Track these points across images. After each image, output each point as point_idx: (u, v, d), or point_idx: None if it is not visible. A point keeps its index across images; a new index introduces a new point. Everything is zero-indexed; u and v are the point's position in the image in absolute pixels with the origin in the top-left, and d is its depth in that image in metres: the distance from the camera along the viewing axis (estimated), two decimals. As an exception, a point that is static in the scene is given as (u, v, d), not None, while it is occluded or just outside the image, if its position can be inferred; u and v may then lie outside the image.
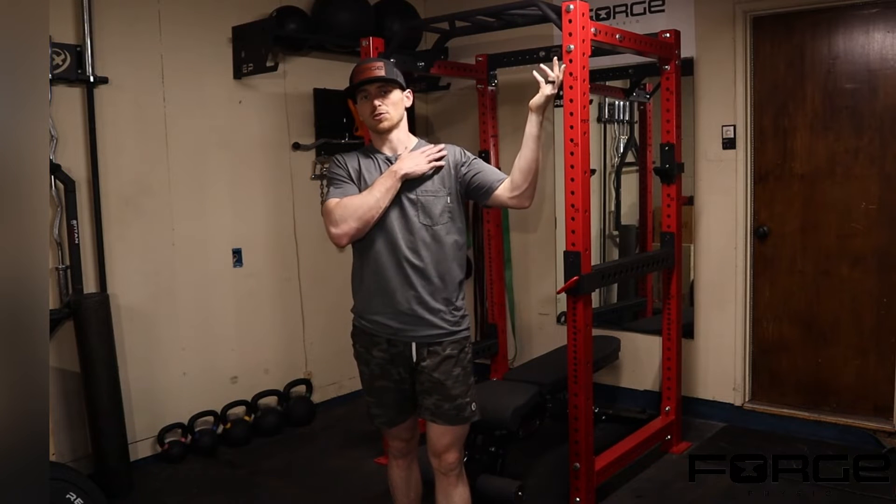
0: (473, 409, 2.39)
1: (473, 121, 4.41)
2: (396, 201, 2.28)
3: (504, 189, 2.36)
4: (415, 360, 2.34)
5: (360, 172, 2.35)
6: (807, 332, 3.79)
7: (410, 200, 2.29)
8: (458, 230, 2.37)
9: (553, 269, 4.46)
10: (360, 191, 2.32)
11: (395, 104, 2.32)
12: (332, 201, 2.30)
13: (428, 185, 2.31)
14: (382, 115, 2.29)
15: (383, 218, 2.27)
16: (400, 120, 2.35)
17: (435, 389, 2.33)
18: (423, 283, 2.29)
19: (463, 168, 2.37)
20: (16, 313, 1.25)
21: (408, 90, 2.38)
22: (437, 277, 2.31)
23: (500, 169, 4.22)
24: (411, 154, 2.30)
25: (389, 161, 2.35)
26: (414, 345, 2.32)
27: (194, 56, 3.81)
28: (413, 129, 5.05)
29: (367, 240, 2.31)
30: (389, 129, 2.33)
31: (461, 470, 2.45)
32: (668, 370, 3.68)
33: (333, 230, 2.26)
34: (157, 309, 3.73)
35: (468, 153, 2.43)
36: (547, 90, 2.35)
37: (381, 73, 2.28)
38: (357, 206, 2.24)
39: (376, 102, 2.28)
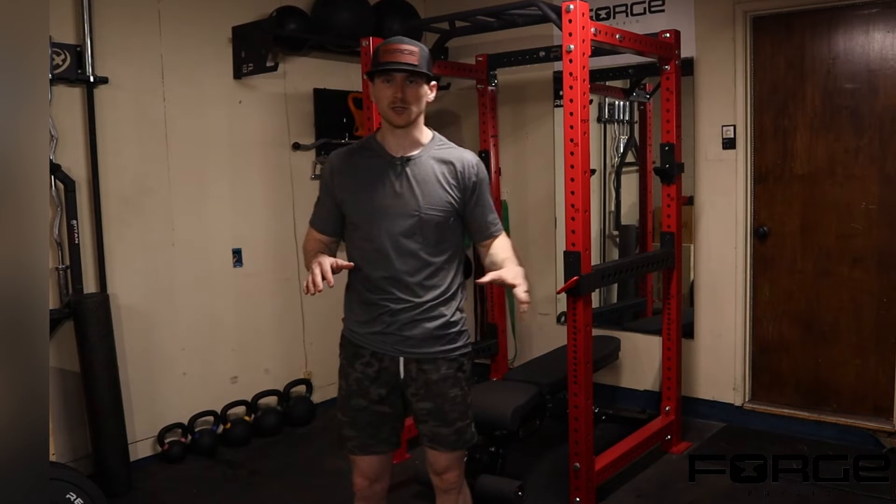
0: (473, 430, 2.24)
1: (473, 121, 4.41)
2: (395, 212, 2.08)
3: (482, 249, 2.24)
4: (402, 377, 2.15)
5: (351, 181, 2.13)
6: (807, 332, 3.79)
7: (410, 215, 2.08)
8: (457, 240, 2.20)
9: (553, 269, 4.46)
10: (340, 201, 2.15)
11: (420, 99, 2.06)
12: (308, 229, 2.25)
13: (436, 200, 2.09)
14: (403, 110, 2.04)
15: (378, 227, 2.09)
16: (419, 116, 2.10)
17: (430, 416, 2.16)
18: (414, 298, 2.11)
19: (470, 189, 2.15)
20: (16, 313, 1.25)
21: (433, 82, 2.12)
22: (432, 293, 2.12)
23: (500, 170, 4.29)
24: (315, 271, 1.96)
25: (395, 166, 2.10)
26: (402, 360, 2.14)
27: (194, 56, 3.80)
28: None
29: (358, 247, 2.15)
30: (406, 125, 2.08)
31: (462, 483, 2.33)
32: (668, 370, 3.68)
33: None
34: (157, 309, 3.73)
35: (482, 172, 2.18)
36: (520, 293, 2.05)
37: (414, 60, 2.01)
38: (304, 258, 2.19)
39: (399, 94, 2.02)
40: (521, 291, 1.99)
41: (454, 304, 2.19)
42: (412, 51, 2.03)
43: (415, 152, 2.13)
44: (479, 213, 2.18)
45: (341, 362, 2.26)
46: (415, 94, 2.05)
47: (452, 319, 2.17)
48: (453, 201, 2.12)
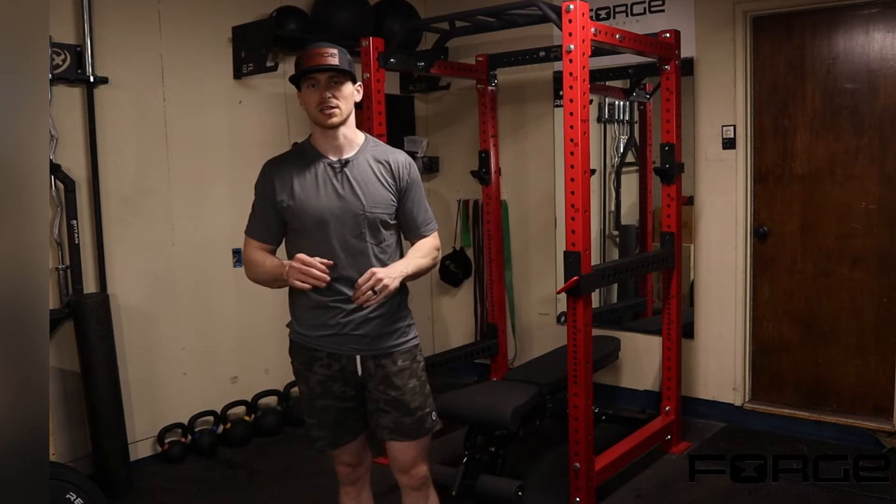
0: (434, 418, 2.26)
1: (473, 121, 4.41)
2: (340, 214, 2.12)
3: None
4: (360, 373, 2.20)
5: (291, 187, 2.14)
6: (807, 331, 3.79)
7: (355, 216, 2.12)
8: (399, 236, 2.26)
9: (553, 269, 4.46)
10: (283, 208, 2.15)
11: (346, 98, 2.11)
12: (246, 239, 2.26)
13: (378, 199, 2.14)
14: (332, 110, 2.09)
15: (324, 229, 2.12)
16: (349, 115, 2.14)
17: (392, 407, 2.19)
18: None
19: (404, 188, 2.20)
20: (16, 313, 1.25)
21: (359, 83, 2.19)
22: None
23: (500, 170, 4.29)
24: (304, 268, 2.03)
25: (333, 168, 2.14)
26: (358, 358, 2.18)
27: (194, 56, 3.81)
28: (413, 130, 5.06)
29: (304, 250, 2.14)
30: (337, 126, 2.12)
31: (430, 481, 2.32)
32: (668, 370, 3.68)
33: (243, 267, 2.28)
34: (157, 309, 3.73)
35: (414, 172, 2.23)
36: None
37: (335, 61, 2.07)
38: (253, 269, 2.22)
39: (326, 94, 2.08)
40: (361, 281, 2.03)
41: (402, 298, 2.24)
42: (332, 53, 2.09)
43: (351, 154, 2.18)
44: (410, 213, 2.23)
45: (296, 367, 2.27)
46: (340, 93, 2.11)
47: (402, 314, 2.23)
48: (393, 199, 2.18)
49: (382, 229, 2.17)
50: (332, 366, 2.20)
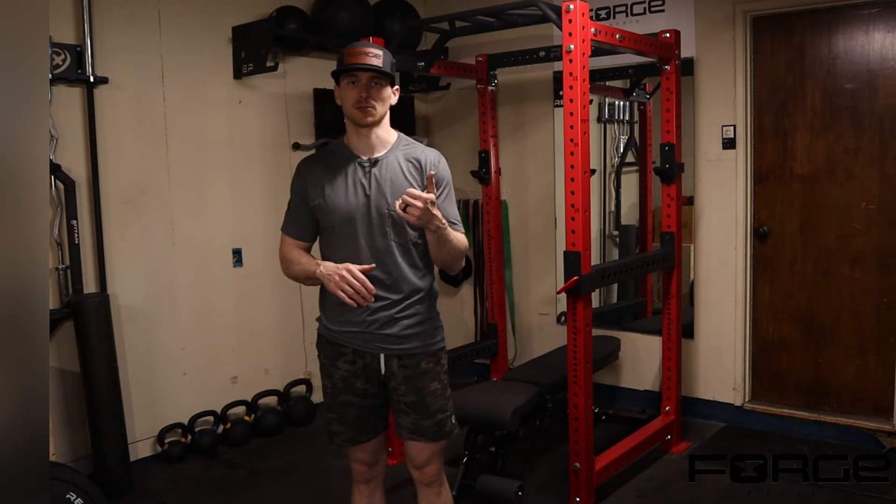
0: (454, 422, 2.28)
1: (473, 121, 4.41)
2: (366, 212, 2.13)
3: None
4: (383, 372, 2.20)
5: (322, 186, 2.17)
6: (807, 331, 3.79)
7: (381, 214, 2.13)
8: (426, 240, 2.22)
9: (553, 269, 4.46)
10: (314, 206, 2.17)
11: (384, 100, 2.14)
12: (282, 236, 2.28)
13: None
14: (368, 109, 2.11)
15: (352, 228, 2.14)
16: (383, 116, 2.17)
17: (412, 409, 2.20)
18: (392, 295, 2.15)
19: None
20: (16, 313, 1.25)
21: (396, 86, 2.20)
22: (407, 290, 2.16)
23: (500, 170, 4.29)
24: (343, 276, 2.04)
25: (363, 167, 2.16)
26: (382, 356, 2.18)
27: (194, 56, 3.81)
28: (413, 130, 5.06)
29: (333, 248, 2.18)
30: (371, 125, 2.15)
31: (442, 478, 2.35)
32: (668, 370, 3.68)
33: (280, 263, 2.29)
34: (157, 309, 3.73)
35: (442, 168, 2.21)
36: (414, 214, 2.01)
37: (378, 63, 2.09)
38: (287, 266, 2.25)
39: (364, 94, 2.10)
40: (415, 193, 2.00)
41: (430, 301, 2.24)
42: (377, 53, 2.11)
43: (382, 153, 2.19)
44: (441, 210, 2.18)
45: (322, 361, 2.30)
46: (379, 95, 2.13)
47: (429, 316, 2.23)
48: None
49: (409, 228, 2.14)
50: (357, 362, 2.21)
